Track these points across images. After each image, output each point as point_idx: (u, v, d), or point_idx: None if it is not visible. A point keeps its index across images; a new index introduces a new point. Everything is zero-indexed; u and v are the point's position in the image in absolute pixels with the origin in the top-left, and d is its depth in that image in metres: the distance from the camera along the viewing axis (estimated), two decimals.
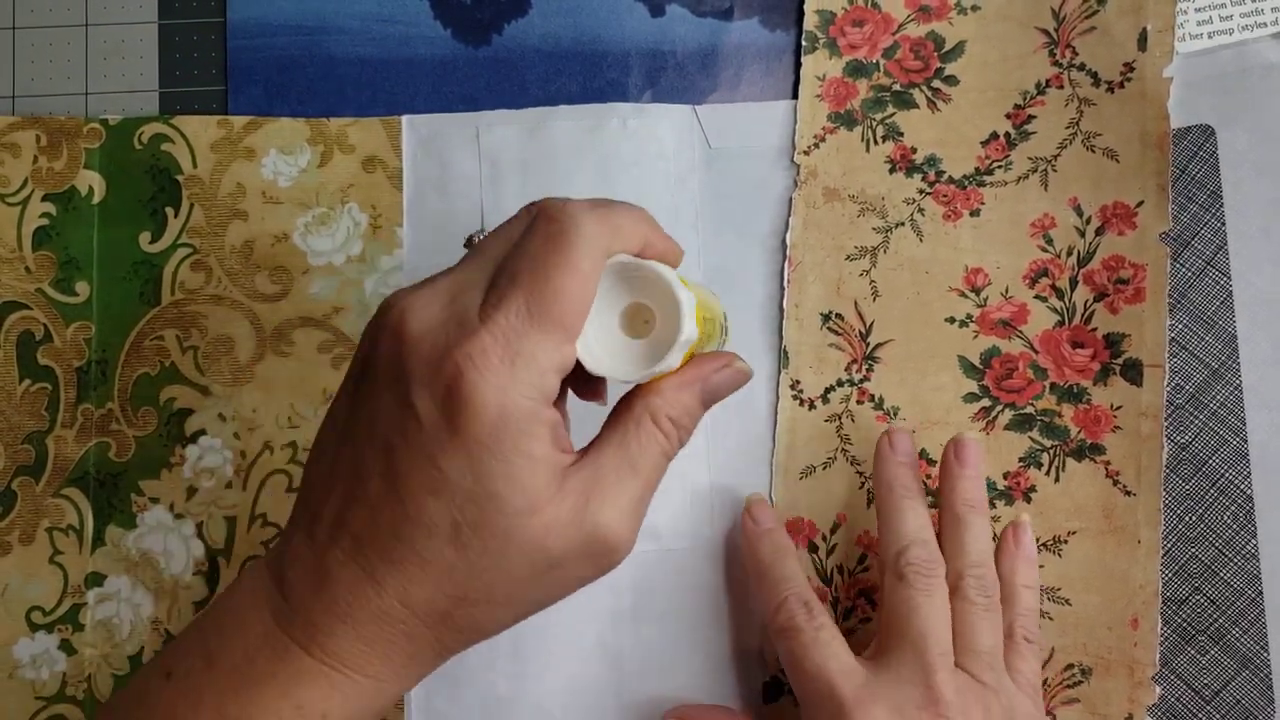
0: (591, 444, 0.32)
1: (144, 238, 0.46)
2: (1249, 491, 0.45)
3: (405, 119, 0.46)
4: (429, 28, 0.47)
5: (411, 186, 0.46)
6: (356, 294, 0.46)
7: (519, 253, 0.30)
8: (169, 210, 0.46)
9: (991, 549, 0.41)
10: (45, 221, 0.46)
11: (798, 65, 0.47)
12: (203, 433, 0.45)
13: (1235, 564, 0.44)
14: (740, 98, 0.47)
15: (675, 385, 0.32)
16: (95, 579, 0.44)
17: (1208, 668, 0.44)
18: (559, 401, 0.32)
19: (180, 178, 0.46)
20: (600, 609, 0.44)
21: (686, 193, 0.46)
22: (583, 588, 0.32)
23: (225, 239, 0.46)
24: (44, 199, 0.46)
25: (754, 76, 0.47)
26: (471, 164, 0.46)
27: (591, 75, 0.47)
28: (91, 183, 0.46)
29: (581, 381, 0.34)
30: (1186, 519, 0.45)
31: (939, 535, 0.41)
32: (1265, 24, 0.47)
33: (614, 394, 0.34)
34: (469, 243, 0.35)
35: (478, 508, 0.29)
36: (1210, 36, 0.47)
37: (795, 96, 0.47)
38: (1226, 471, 0.45)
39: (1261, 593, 0.44)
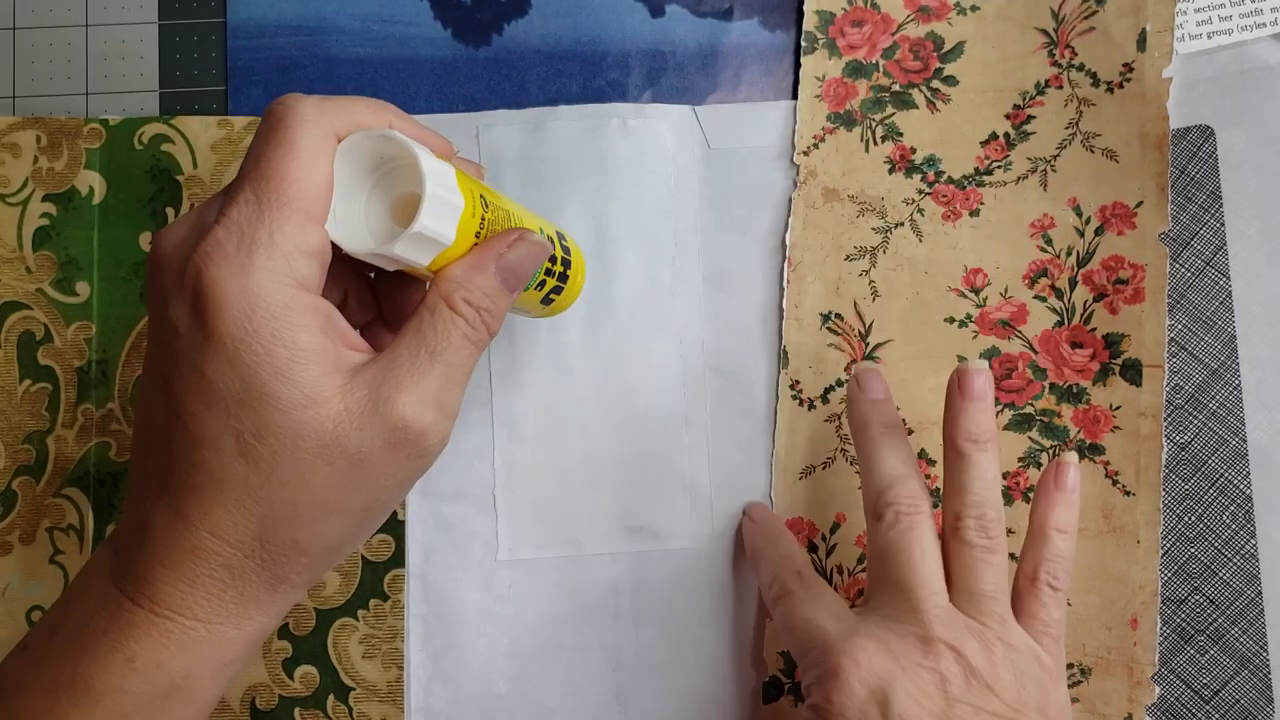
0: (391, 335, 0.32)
1: (144, 238, 0.46)
2: (1248, 491, 0.45)
3: None
4: (429, 28, 0.47)
5: None
6: None
7: (248, 153, 0.29)
8: (169, 211, 0.46)
9: (998, 488, 0.38)
10: (46, 222, 0.46)
11: (797, 65, 0.47)
12: None
13: (1234, 564, 0.44)
14: (740, 98, 0.47)
15: (466, 266, 0.31)
16: None
17: (1207, 667, 0.44)
18: (344, 301, 0.32)
19: (180, 178, 0.46)
20: (600, 609, 0.44)
21: (686, 193, 0.46)
22: (404, 489, 0.31)
23: None
24: (44, 199, 0.46)
25: (754, 77, 0.47)
26: None
27: (591, 75, 0.47)
28: (92, 183, 0.46)
29: (395, 292, 0.34)
30: (1186, 519, 0.45)
31: (944, 475, 0.40)
32: (1265, 24, 0.47)
33: None
34: None
35: (253, 411, 0.28)
36: (1209, 37, 0.47)
37: (795, 97, 0.47)
38: (1225, 471, 0.45)
39: (1260, 592, 0.44)
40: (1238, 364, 0.45)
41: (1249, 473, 0.45)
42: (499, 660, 0.44)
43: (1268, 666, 0.44)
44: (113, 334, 0.45)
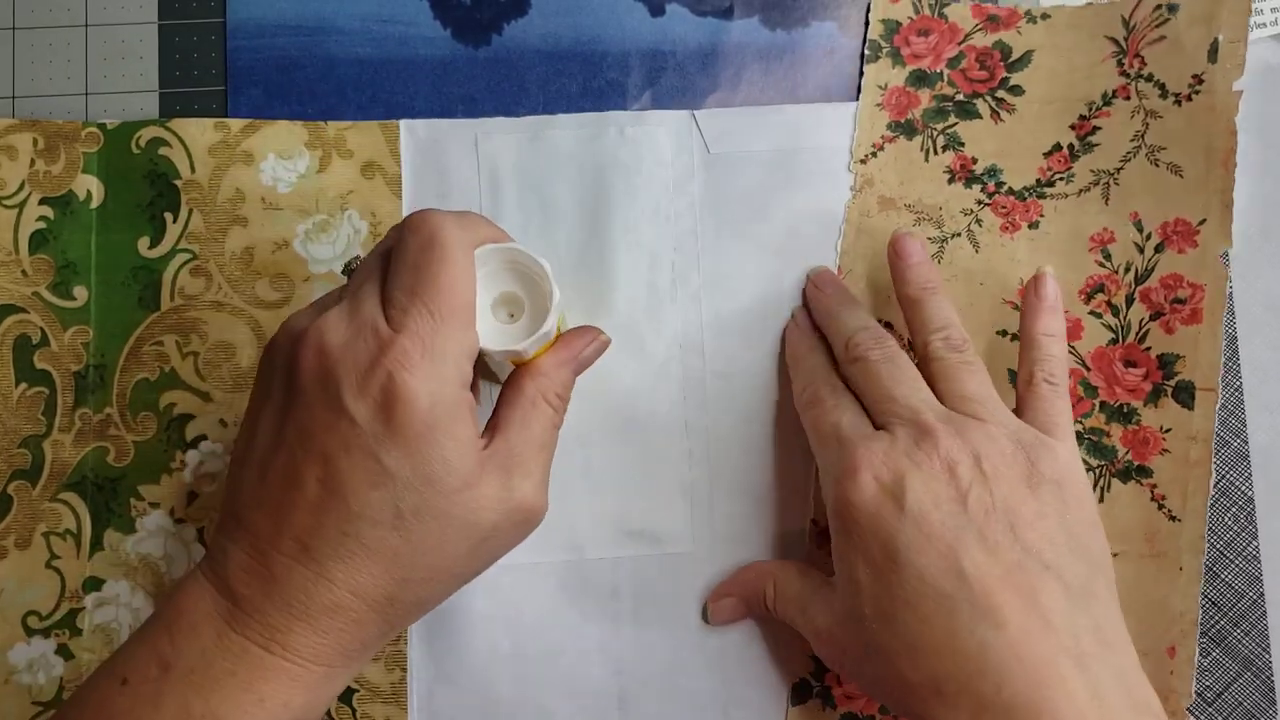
0: (492, 425, 0.36)
1: (142, 243, 0.45)
2: (1250, 493, 0.45)
3: (403, 124, 0.46)
4: (429, 28, 0.47)
5: (411, 194, 0.46)
6: None
7: (401, 265, 0.34)
8: (167, 215, 0.46)
9: (955, 316, 0.41)
10: (43, 225, 0.45)
11: (799, 65, 0.47)
12: (203, 438, 0.45)
13: (1237, 566, 0.44)
14: (740, 98, 0.47)
15: (554, 364, 0.37)
16: (93, 584, 0.44)
17: (1209, 670, 0.44)
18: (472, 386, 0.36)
19: (178, 182, 0.46)
20: (601, 613, 0.44)
21: (686, 198, 0.46)
22: (505, 555, 0.36)
23: (225, 245, 0.45)
24: (41, 202, 0.45)
25: (754, 76, 0.47)
26: (470, 172, 0.46)
27: (591, 75, 0.47)
28: (90, 187, 0.46)
29: None
30: None
31: (906, 322, 0.42)
32: (1265, 24, 0.47)
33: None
34: (346, 269, 0.39)
35: (416, 493, 0.32)
36: None
37: (797, 98, 0.47)
38: (1227, 473, 0.45)
39: (1263, 594, 0.44)
40: (1239, 365, 0.45)
41: (1250, 474, 0.45)
42: (501, 663, 0.44)
43: (1270, 669, 0.44)
44: (110, 338, 0.45)
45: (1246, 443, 0.45)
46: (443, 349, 0.33)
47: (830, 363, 0.42)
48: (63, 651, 0.44)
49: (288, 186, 0.46)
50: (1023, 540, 0.35)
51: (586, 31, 0.47)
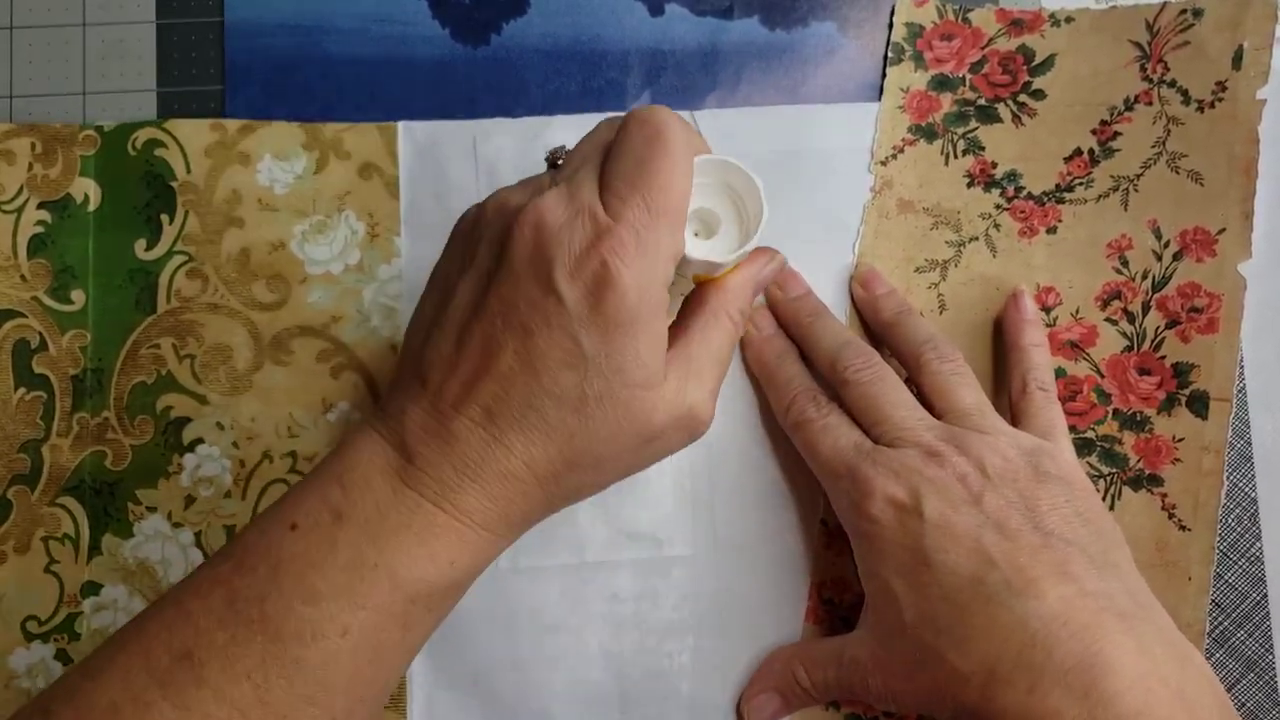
0: (673, 333, 0.36)
1: (139, 245, 0.45)
2: (1253, 495, 0.44)
3: (401, 125, 0.46)
4: (427, 27, 0.47)
5: (408, 195, 0.46)
6: (355, 303, 0.45)
7: (625, 154, 0.34)
8: (164, 217, 0.45)
9: (937, 331, 0.43)
10: (41, 229, 0.45)
11: (798, 64, 0.47)
12: (201, 441, 0.44)
13: (1240, 567, 0.44)
14: (740, 97, 0.47)
15: (738, 282, 0.38)
16: (92, 588, 0.44)
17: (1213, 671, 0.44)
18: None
19: (174, 184, 0.45)
20: (603, 617, 0.44)
21: None
22: (664, 458, 0.37)
23: (221, 247, 0.45)
24: (39, 206, 0.45)
25: (754, 75, 0.47)
26: (469, 173, 0.46)
27: (591, 75, 0.47)
28: (87, 190, 0.45)
29: None
30: None
31: (888, 343, 0.44)
32: None
33: None
34: (551, 158, 0.39)
35: (604, 380, 0.33)
36: None
37: (796, 98, 0.47)
38: (1231, 475, 0.44)
39: (1266, 595, 0.44)
40: (1243, 367, 0.45)
41: (1254, 476, 0.45)
42: (502, 667, 0.44)
43: (1274, 670, 0.44)
44: (108, 342, 0.45)
45: (1250, 444, 0.45)
46: (655, 245, 0.33)
47: (804, 369, 0.44)
48: (61, 656, 0.44)
49: (284, 188, 0.46)
50: (1042, 526, 0.37)
51: (586, 31, 0.47)
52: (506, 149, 0.46)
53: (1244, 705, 0.44)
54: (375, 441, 0.34)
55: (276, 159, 0.46)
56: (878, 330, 0.44)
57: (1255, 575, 0.44)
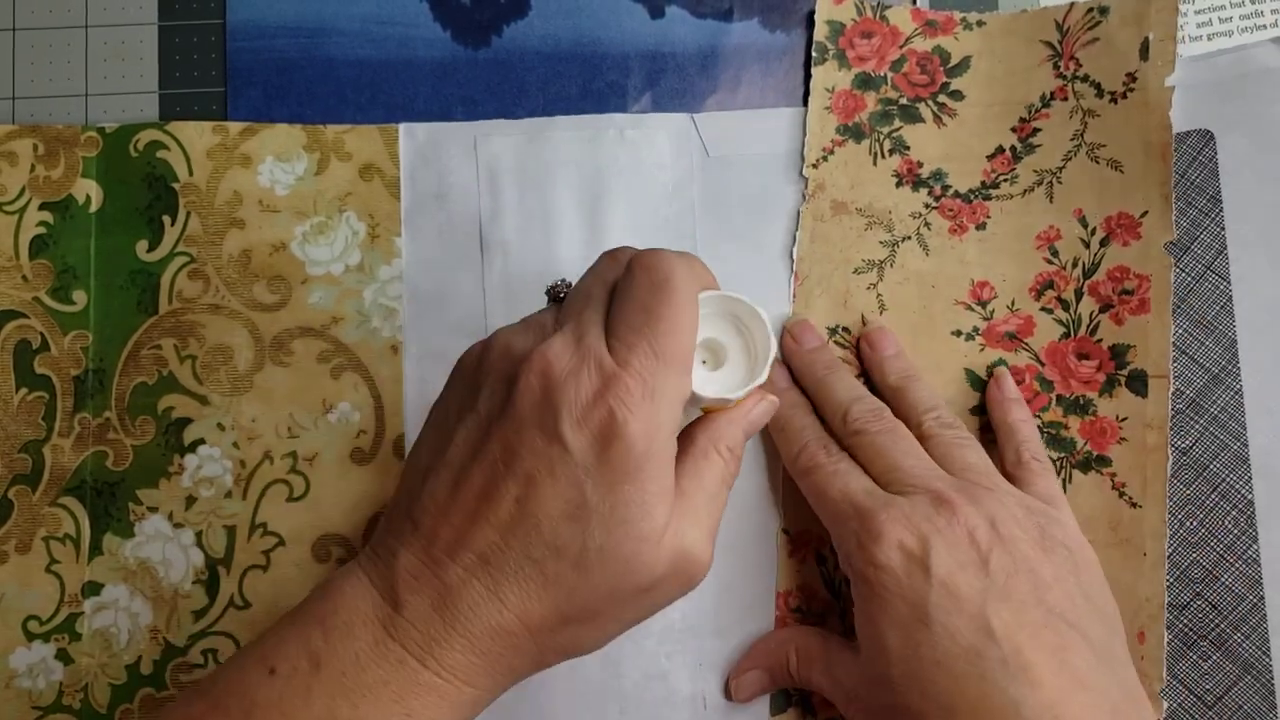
0: None
1: (141, 246, 0.45)
2: (1250, 496, 0.45)
3: (402, 127, 0.46)
4: (428, 29, 0.47)
5: (409, 196, 0.46)
6: (355, 304, 0.45)
7: (630, 302, 0.33)
8: (166, 218, 0.46)
9: (940, 399, 0.43)
10: (43, 230, 0.45)
11: (798, 67, 0.47)
12: (202, 442, 0.45)
13: (1237, 569, 0.44)
14: (740, 99, 0.47)
15: (727, 420, 0.36)
16: (93, 588, 0.44)
17: (1210, 673, 0.44)
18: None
19: (176, 185, 0.46)
20: None
21: (684, 201, 0.46)
22: (658, 611, 0.35)
23: (223, 248, 0.45)
24: (41, 207, 0.45)
25: (754, 78, 0.47)
26: (469, 174, 0.46)
27: (591, 77, 0.47)
28: (89, 191, 0.46)
29: None
30: (1188, 524, 0.45)
31: (893, 408, 0.43)
32: (1265, 25, 0.47)
33: None
34: (552, 292, 0.38)
35: (607, 533, 0.32)
36: (1210, 39, 0.47)
37: (796, 101, 0.47)
38: (1227, 476, 0.45)
39: (1263, 597, 0.44)
40: (1239, 368, 0.45)
41: (1251, 477, 0.45)
42: None
43: (1271, 672, 0.44)
44: (110, 343, 0.45)
45: (1246, 445, 0.45)
46: (662, 391, 0.32)
47: (817, 421, 0.43)
48: (62, 656, 0.44)
49: (286, 189, 0.46)
50: (1045, 600, 0.36)
51: (586, 33, 0.47)
52: (507, 150, 0.46)
53: (1241, 708, 0.44)
54: (362, 585, 0.33)
55: (278, 160, 0.46)
56: (881, 391, 0.44)
57: (1252, 577, 0.44)
